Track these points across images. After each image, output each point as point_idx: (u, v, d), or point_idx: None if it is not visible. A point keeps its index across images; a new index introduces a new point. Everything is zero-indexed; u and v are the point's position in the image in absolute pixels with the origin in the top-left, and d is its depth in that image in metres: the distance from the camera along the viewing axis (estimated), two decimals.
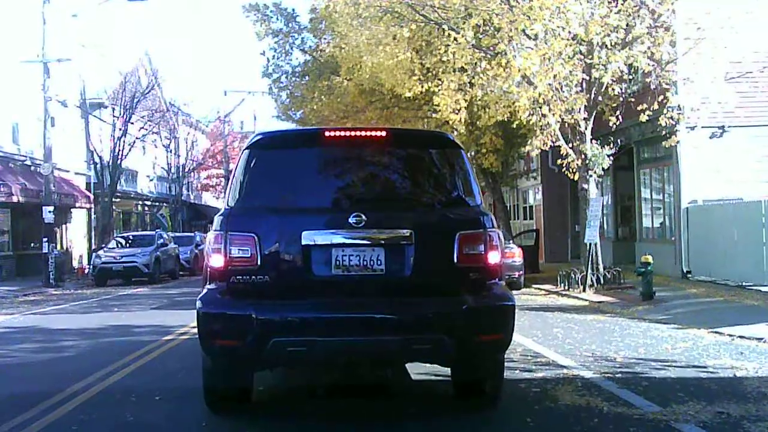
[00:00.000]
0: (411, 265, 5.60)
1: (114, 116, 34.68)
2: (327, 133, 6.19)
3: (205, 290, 5.77)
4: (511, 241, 21.30)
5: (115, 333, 12.35)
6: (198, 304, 5.70)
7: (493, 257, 5.75)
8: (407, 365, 7.79)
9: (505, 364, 8.18)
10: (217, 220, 5.79)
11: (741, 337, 10.14)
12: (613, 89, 16.50)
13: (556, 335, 10.85)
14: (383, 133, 6.14)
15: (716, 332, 10.72)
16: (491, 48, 16.84)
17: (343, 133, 6.18)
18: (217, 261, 5.61)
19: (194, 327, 12.13)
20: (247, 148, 6.05)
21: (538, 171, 30.69)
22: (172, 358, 9.28)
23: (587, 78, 16.82)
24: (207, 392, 6.18)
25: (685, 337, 10.44)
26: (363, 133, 6.17)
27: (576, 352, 9.26)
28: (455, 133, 25.36)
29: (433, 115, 23.58)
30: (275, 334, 5.43)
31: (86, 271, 30.27)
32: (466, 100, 18.52)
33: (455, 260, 5.64)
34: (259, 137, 6.20)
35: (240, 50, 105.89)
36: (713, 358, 8.67)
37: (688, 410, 6.12)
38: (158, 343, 10.68)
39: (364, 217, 5.56)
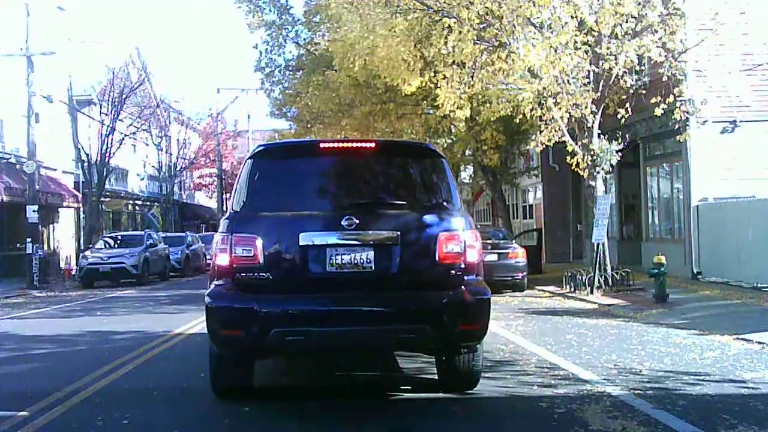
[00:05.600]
0: (397, 263, 6.14)
1: (102, 113, 33.62)
2: (322, 145, 6.98)
3: (212, 286, 6.29)
4: (513, 241, 20.49)
5: (91, 340, 11.43)
6: (206, 298, 6.22)
7: (471, 255, 6.30)
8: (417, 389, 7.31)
9: (522, 377, 7.55)
10: (222, 223, 6.39)
11: None
12: (625, 81, 15.61)
13: (570, 343, 10.00)
14: (372, 144, 6.84)
15: (743, 339, 9.90)
16: (494, 38, 15.95)
17: (336, 145, 6.96)
18: (223, 260, 6.17)
19: (180, 333, 11.50)
20: (249, 158, 6.65)
21: (538, 169, 29.88)
22: (148, 376, 8.25)
23: (595, 70, 15.98)
24: (213, 378, 6.72)
25: (710, 345, 9.60)
26: (354, 144, 6.95)
27: (596, 363, 8.40)
28: (454, 129, 24.67)
29: (432, 111, 22.79)
30: (276, 324, 5.93)
31: (72, 272, 29.34)
32: (469, 96, 17.67)
33: (437, 258, 6.20)
34: (260, 148, 6.85)
35: (233, 49, 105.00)
36: (749, 370, 7.83)
37: None
38: (136, 353, 9.75)
39: (355, 219, 6.10)
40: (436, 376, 7.31)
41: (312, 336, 5.94)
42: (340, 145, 6.95)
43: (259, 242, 6.06)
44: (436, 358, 7.16)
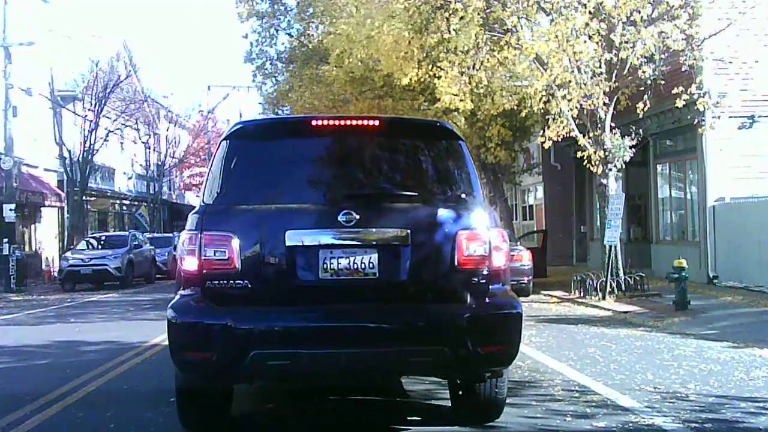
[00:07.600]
0: (407, 268, 5.05)
1: (87, 109, 32.31)
2: (314, 122, 5.63)
3: (177, 297, 5.14)
4: (518, 243, 19.43)
5: (55, 353, 10.22)
6: (169, 312, 5.06)
7: (498, 259, 5.19)
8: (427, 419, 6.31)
9: (549, 404, 6.42)
10: (191, 218, 5.19)
11: None
12: (643, 71, 14.49)
13: (595, 358, 8.87)
14: (376, 122, 5.62)
15: None
16: (499, 23, 14.83)
17: (331, 122, 5.61)
18: (190, 264, 5.02)
19: (156, 343, 10.31)
20: (225, 139, 5.50)
21: (540, 167, 28.78)
22: (109, 400, 6.95)
23: (609, 59, 14.88)
24: (181, 409, 5.57)
25: (753, 362, 8.50)
26: (354, 122, 5.67)
27: (631, 384, 7.26)
28: (452, 125, 23.54)
29: (432, 106, 21.66)
30: (255, 345, 4.84)
31: (54, 274, 28.09)
32: (470, 89, 16.56)
33: (455, 263, 5.10)
34: (238, 126, 5.67)
35: (223, 46, 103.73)
36: None
37: None
38: (102, 369, 8.55)
39: (355, 214, 5.02)
40: (448, 402, 6.23)
41: (300, 360, 4.83)
42: (337, 122, 5.63)
43: (235, 242, 4.94)
44: (450, 382, 6.08)
